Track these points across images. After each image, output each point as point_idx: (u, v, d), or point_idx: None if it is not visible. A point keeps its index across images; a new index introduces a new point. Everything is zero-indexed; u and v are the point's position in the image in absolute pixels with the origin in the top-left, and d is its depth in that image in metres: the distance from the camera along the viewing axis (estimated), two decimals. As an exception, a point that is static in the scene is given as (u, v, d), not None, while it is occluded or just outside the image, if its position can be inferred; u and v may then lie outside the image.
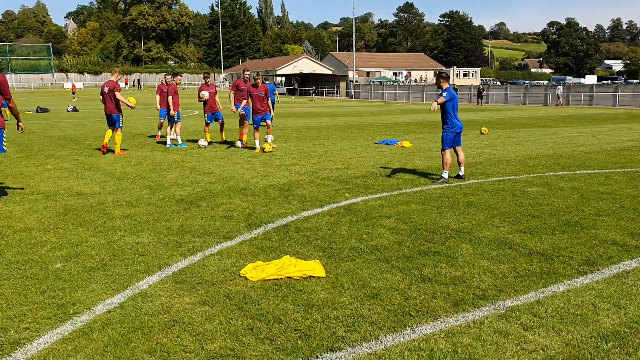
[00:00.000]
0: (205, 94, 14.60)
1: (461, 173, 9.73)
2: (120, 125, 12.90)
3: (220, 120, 15.20)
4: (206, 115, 14.99)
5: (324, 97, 71.00)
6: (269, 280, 4.75)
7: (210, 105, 14.83)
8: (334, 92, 73.02)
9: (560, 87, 47.79)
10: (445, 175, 9.49)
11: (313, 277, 4.81)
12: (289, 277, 4.79)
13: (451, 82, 10.25)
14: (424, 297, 4.41)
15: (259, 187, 8.96)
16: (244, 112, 14.41)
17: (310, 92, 67.49)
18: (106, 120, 13.11)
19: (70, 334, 3.76)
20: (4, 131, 7.95)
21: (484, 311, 4.14)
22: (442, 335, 3.75)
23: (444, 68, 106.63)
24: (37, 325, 3.91)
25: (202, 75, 16.05)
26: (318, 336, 3.75)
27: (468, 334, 3.77)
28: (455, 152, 9.69)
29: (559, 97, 46.73)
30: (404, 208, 7.50)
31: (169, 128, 14.86)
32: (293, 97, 67.94)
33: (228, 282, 4.74)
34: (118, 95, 12.58)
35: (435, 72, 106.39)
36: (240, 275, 4.87)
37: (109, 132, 13.06)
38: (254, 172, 10.56)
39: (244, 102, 13.98)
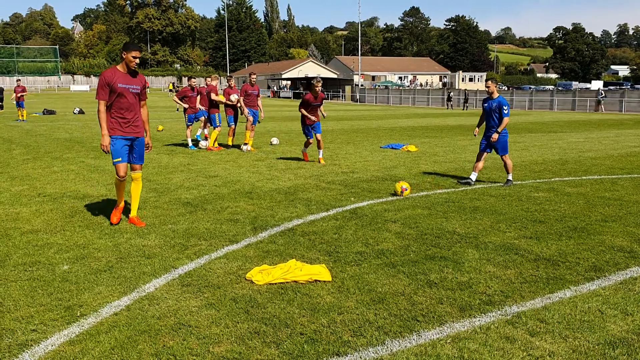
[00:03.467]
0: (234, 97, 14.87)
1: (509, 178, 9.81)
2: (217, 124, 14.80)
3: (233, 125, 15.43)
4: (228, 117, 15.24)
5: (330, 100, 71.02)
6: (275, 284, 4.75)
7: (233, 107, 15.07)
8: (339, 96, 73.09)
9: (601, 92, 46.20)
10: (473, 177, 9.81)
11: (319, 281, 4.82)
12: (295, 281, 4.79)
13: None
14: (430, 302, 4.40)
15: (264, 191, 8.97)
16: (251, 117, 14.49)
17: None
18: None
19: (77, 336, 3.78)
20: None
21: (491, 317, 4.14)
22: (448, 341, 3.74)
23: (449, 73, 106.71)
24: (44, 327, 3.92)
25: (208, 78, 16.21)
26: (324, 340, 3.75)
27: (474, 339, 3.77)
28: (502, 159, 9.91)
29: (599, 103, 45.19)
30: (410, 212, 7.49)
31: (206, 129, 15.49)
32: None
33: (234, 285, 4.75)
34: (213, 96, 14.66)
35: (440, 77, 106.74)
36: (246, 279, 4.88)
37: (214, 132, 14.89)
38: (259, 175, 10.58)
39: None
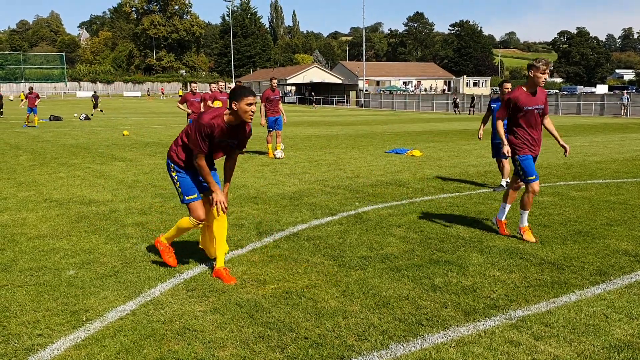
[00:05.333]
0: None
1: (502, 183, 9.84)
2: None
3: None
4: None
5: (334, 105, 71.09)
6: (280, 288, 4.76)
7: None
8: (344, 102, 73.17)
9: (627, 96, 44.04)
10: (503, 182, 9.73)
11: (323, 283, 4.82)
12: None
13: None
14: (435, 307, 4.40)
15: (269, 196, 8.99)
16: (275, 131, 14.58)
17: (312, 100, 67.75)
18: None
19: (82, 341, 3.80)
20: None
21: (495, 321, 4.13)
22: (452, 345, 3.75)
23: (454, 77, 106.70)
24: (50, 331, 3.94)
25: (212, 84, 16.36)
26: (329, 345, 3.75)
27: (479, 343, 3.77)
28: (504, 164, 9.87)
29: (624, 107, 43.18)
30: (415, 217, 7.50)
31: None
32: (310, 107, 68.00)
33: (239, 290, 4.76)
34: (208, 102, 14.87)
35: (445, 82, 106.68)
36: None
37: None
38: (264, 180, 10.61)
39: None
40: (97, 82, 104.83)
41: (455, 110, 50.73)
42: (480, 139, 10.53)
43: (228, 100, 4.81)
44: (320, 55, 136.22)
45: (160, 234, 5.87)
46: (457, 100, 52.51)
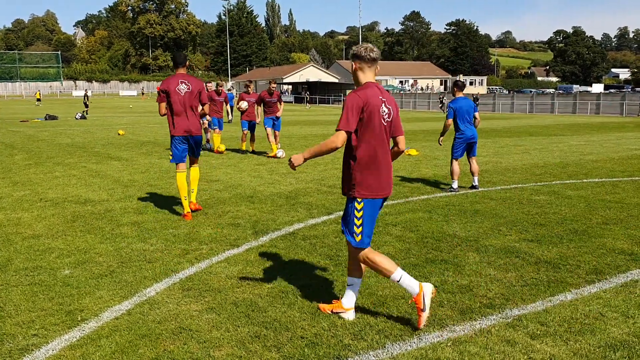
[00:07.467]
0: (243, 104, 14.76)
1: (475, 183, 9.65)
2: (213, 126, 15.51)
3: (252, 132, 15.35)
4: (242, 122, 15.24)
5: (331, 104, 71.08)
6: (276, 287, 4.75)
7: (248, 113, 14.99)
8: (341, 101, 73.17)
9: None
10: (455, 185, 9.49)
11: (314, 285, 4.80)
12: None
13: (461, 92, 9.92)
14: (431, 305, 4.39)
15: (265, 195, 8.98)
16: (269, 128, 14.57)
17: (306, 99, 67.59)
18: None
19: (78, 341, 3.78)
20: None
21: (491, 320, 4.13)
22: (449, 344, 3.74)
23: (450, 76, 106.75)
24: (45, 331, 3.93)
25: (211, 84, 16.47)
26: (325, 344, 3.75)
27: (475, 342, 3.77)
28: (469, 162, 9.72)
29: None
30: (411, 216, 7.49)
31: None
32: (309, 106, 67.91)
33: (235, 289, 4.75)
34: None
35: (441, 81, 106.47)
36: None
37: (215, 136, 15.52)
38: (260, 179, 10.59)
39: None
40: (93, 81, 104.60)
41: (444, 110, 50.48)
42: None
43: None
44: (317, 54, 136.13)
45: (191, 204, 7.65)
46: (445, 99, 52.41)
